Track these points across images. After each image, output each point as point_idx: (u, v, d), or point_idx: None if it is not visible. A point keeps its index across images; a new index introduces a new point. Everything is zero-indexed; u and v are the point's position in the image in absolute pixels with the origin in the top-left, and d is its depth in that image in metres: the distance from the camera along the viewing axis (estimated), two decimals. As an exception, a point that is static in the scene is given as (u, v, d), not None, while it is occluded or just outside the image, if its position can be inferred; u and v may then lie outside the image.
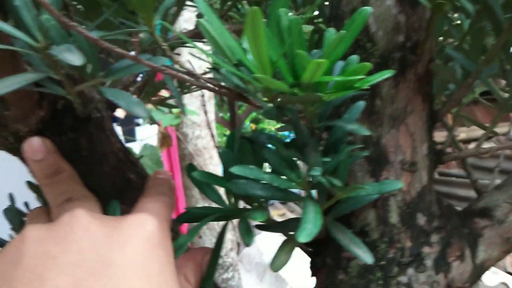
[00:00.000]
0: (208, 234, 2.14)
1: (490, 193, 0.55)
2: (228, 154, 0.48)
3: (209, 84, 0.42)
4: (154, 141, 2.25)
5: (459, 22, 0.63)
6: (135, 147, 2.30)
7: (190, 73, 0.42)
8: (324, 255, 0.52)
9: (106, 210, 0.46)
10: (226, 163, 0.48)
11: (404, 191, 0.48)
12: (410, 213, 0.48)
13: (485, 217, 0.52)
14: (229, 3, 0.76)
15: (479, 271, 0.51)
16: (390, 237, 0.47)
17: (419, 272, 0.47)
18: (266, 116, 0.39)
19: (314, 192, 0.46)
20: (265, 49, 0.35)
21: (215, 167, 2.19)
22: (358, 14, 0.39)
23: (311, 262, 0.54)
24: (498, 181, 0.57)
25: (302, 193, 0.44)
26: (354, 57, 0.41)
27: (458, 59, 0.49)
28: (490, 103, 0.69)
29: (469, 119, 0.61)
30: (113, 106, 0.53)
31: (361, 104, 0.46)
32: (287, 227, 0.46)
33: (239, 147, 0.46)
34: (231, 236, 2.20)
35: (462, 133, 3.63)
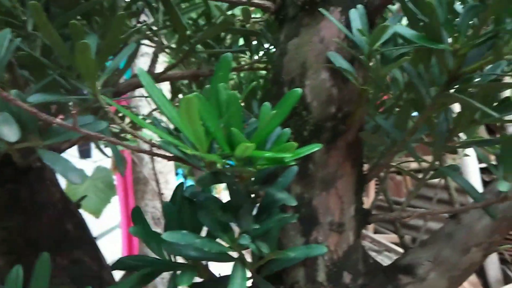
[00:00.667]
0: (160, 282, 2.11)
1: (414, 250, 0.59)
2: (171, 210, 0.49)
3: (151, 151, 0.44)
4: (109, 163, 2.21)
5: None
6: (88, 167, 2.25)
7: (134, 136, 0.44)
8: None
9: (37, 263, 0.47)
10: (168, 219, 0.49)
11: (331, 251, 0.51)
12: (337, 272, 0.51)
13: (408, 274, 0.56)
14: (185, 47, 0.79)
15: (401, 326, 0.55)
16: (317, 295, 0.50)
17: (343, 329, 0.50)
18: (200, 184, 0.41)
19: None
20: (198, 122, 0.37)
21: (171, 192, 2.17)
22: (290, 95, 0.42)
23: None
24: (437, 209, 0.62)
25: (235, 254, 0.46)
26: (286, 132, 0.44)
27: (386, 128, 0.53)
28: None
29: (403, 170, 0.65)
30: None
31: (294, 169, 0.49)
32: (221, 285, 0.47)
33: (179, 207, 0.48)
34: None
35: (413, 163, 3.79)
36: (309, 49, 0.50)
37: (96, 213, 2.13)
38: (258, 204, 0.50)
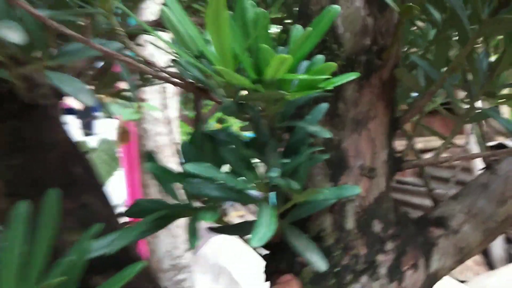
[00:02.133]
0: (165, 233, 2.08)
1: (446, 203, 0.55)
2: (189, 149, 0.45)
3: (167, 75, 0.40)
4: (112, 135, 2.17)
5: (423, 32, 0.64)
6: (92, 141, 2.22)
7: (146, 62, 0.39)
8: (279, 260, 0.50)
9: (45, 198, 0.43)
10: (186, 158, 0.45)
11: (361, 197, 0.47)
12: (367, 220, 0.47)
13: (440, 226, 0.53)
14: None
15: (432, 280, 0.51)
16: (345, 244, 0.46)
17: (373, 280, 0.46)
18: (225, 112, 0.37)
19: (273, 195, 0.45)
20: (228, 40, 0.33)
21: (177, 166, 2.14)
22: (326, 12, 0.37)
23: (265, 267, 0.52)
24: (453, 191, 0.58)
25: (260, 195, 0.42)
26: (320, 57, 0.40)
27: (422, 67, 0.49)
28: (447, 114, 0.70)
29: (429, 128, 0.61)
30: (61, 94, 0.49)
31: (324, 106, 0.45)
32: (242, 229, 0.44)
33: (200, 144, 0.44)
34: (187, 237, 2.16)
35: (419, 143, 3.75)
36: (343, -28, 0.45)
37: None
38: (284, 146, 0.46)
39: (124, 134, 1.95)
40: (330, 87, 0.37)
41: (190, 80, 0.39)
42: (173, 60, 0.39)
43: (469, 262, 2.77)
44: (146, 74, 0.39)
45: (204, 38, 0.38)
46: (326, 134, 0.38)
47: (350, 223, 0.47)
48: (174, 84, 0.40)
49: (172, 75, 0.40)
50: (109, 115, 1.93)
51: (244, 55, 0.37)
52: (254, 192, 0.42)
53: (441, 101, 0.63)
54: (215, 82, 0.40)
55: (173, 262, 2.14)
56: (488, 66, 0.49)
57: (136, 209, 0.46)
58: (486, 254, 2.79)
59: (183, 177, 0.41)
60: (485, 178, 0.55)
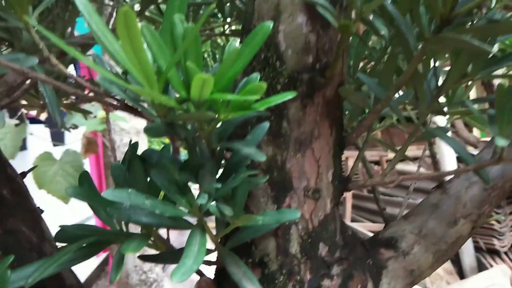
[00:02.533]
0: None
1: (397, 223, 0.54)
2: (120, 171, 0.42)
3: (92, 94, 0.37)
4: (79, 146, 2.11)
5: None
6: (58, 152, 2.14)
7: (70, 78, 0.37)
8: (223, 286, 0.48)
9: None
10: (116, 181, 0.42)
11: (306, 220, 0.45)
12: (312, 243, 0.45)
13: (390, 248, 0.51)
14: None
15: (381, 304, 0.50)
16: (290, 269, 0.44)
17: (318, 307, 0.44)
18: (148, 133, 0.34)
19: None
20: (144, 57, 0.31)
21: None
22: (259, 29, 0.36)
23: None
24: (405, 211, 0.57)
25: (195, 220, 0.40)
26: (254, 76, 0.38)
27: (368, 85, 0.47)
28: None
29: (381, 141, 0.60)
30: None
31: (266, 125, 0.43)
32: (173, 258, 0.41)
33: (129, 166, 0.41)
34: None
35: (391, 152, 3.80)
36: (284, -12, 0.43)
37: (65, 198, 2.03)
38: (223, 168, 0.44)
39: (89, 145, 1.89)
40: (264, 107, 0.35)
41: (118, 98, 0.37)
42: (98, 78, 0.37)
43: (440, 271, 2.80)
44: (67, 93, 0.37)
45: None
46: (261, 157, 0.36)
47: (294, 247, 0.45)
48: (100, 102, 0.37)
49: (99, 93, 0.37)
50: (75, 126, 1.87)
51: (173, 72, 0.34)
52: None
53: (394, 119, 0.62)
54: (145, 101, 0.37)
55: (141, 277, 2.08)
56: (435, 85, 0.48)
57: (63, 236, 0.42)
58: (457, 263, 2.82)
59: (113, 202, 0.39)
60: (436, 197, 0.54)
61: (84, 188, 0.41)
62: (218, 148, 0.43)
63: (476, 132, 3.56)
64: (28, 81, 0.52)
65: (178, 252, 0.43)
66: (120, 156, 2.01)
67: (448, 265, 2.80)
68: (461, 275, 2.77)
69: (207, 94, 0.32)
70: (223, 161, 0.45)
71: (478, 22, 0.43)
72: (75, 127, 1.84)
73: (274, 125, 0.45)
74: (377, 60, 0.55)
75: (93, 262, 3.37)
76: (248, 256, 0.46)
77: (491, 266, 2.67)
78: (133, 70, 0.32)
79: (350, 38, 0.55)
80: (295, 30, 0.44)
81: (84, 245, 0.40)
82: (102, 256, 3.14)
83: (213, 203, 0.37)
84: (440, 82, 0.49)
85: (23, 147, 2.85)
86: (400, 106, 0.63)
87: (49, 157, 1.89)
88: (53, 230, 0.56)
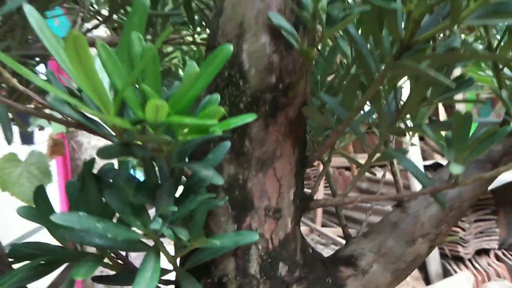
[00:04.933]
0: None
1: (357, 240, 0.55)
2: (75, 189, 0.41)
3: (46, 111, 0.36)
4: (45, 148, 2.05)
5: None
6: (22, 153, 2.08)
7: (24, 93, 0.35)
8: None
9: None
10: (71, 199, 0.41)
11: (266, 239, 0.45)
12: (271, 263, 0.45)
13: (349, 266, 0.52)
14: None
15: (340, 322, 0.50)
16: (248, 290, 0.44)
17: (276, 328, 0.44)
18: (101, 155, 0.34)
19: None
20: (98, 79, 0.30)
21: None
22: (220, 51, 0.35)
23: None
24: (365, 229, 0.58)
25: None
26: (214, 97, 0.38)
27: (331, 105, 0.48)
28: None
29: (345, 155, 0.60)
30: None
31: (227, 144, 0.43)
32: (129, 279, 0.40)
33: (82, 185, 0.40)
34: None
35: (361, 159, 3.84)
36: (248, 7, 0.43)
37: (30, 201, 1.97)
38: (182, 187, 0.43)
39: (56, 146, 1.84)
40: (224, 129, 0.35)
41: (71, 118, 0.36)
42: (49, 98, 0.35)
43: (407, 278, 2.86)
44: (15, 109, 0.35)
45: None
46: (219, 181, 0.36)
47: (253, 267, 0.45)
48: (54, 120, 0.36)
49: (50, 109, 0.36)
50: (42, 127, 1.82)
51: (129, 92, 0.34)
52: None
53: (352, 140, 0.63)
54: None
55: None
56: (395, 107, 0.49)
57: (15, 254, 0.41)
58: (423, 269, 2.89)
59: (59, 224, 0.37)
60: (395, 216, 0.54)
61: (39, 207, 0.39)
62: (176, 168, 0.42)
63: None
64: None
65: (134, 273, 0.41)
66: (87, 159, 1.96)
67: (414, 271, 2.85)
68: (427, 281, 2.83)
69: (163, 117, 0.32)
70: (184, 178, 0.44)
71: (438, 48, 0.44)
72: (42, 128, 1.79)
73: (236, 144, 0.45)
74: (341, 77, 0.56)
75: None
76: (207, 276, 0.45)
77: (456, 272, 2.74)
78: (87, 91, 0.31)
79: (314, 62, 0.55)
80: (258, 50, 0.44)
81: (38, 263, 0.38)
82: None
83: (168, 227, 0.36)
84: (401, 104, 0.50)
85: (-12, 146, 2.75)
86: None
87: (13, 158, 1.82)
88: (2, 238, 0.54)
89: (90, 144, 1.93)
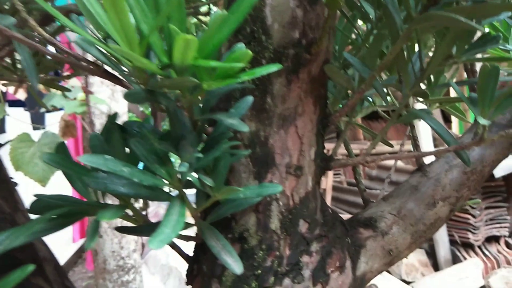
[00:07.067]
0: (109, 234, 2.00)
1: (376, 204, 0.54)
2: (98, 142, 0.41)
3: (71, 58, 0.36)
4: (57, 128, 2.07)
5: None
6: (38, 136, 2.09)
7: (48, 41, 0.35)
8: (201, 262, 0.47)
9: None
10: (94, 151, 0.41)
11: (287, 196, 0.45)
12: (292, 220, 0.45)
13: (369, 227, 0.51)
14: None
15: (359, 283, 0.50)
16: (269, 244, 0.44)
17: (296, 283, 0.44)
18: (130, 99, 0.33)
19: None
20: (128, 20, 0.30)
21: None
22: (246, -3, 0.35)
23: (187, 269, 0.49)
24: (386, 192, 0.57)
25: (175, 192, 0.39)
26: (240, 45, 0.37)
27: (353, 64, 0.47)
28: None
29: (361, 126, 0.60)
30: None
31: (250, 99, 0.42)
32: (147, 231, 0.40)
33: (107, 136, 0.40)
34: (135, 237, 2.09)
35: (363, 145, 3.82)
36: (272, -41, 0.43)
37: (43, 181, 1.99)
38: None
39: (67, 128, 1.86)
40: (249, 78, 0.35)
41: (97, 63, 0.36)
42: (75, 42, 0.35)
43: (415, 263, 2.85)
44: (44, 54, 0.35)
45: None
46: (244, 127, 0.36)
47: (274, 223, 0.45)
48: (80, 67, 0.36)
49: (78, 58, 0.36)
50: (55, 108, 1.83)
51: (154, 37, 0.33)
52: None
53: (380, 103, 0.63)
54: (125, 67, 0.36)
55: (119, 263, 2.06)
56: (420, 66, 0.48)
57: (39, 205, 0.41)
58: (432, 255, 2.88)
59: (89, 171, 0.38)
60: (415, 180, 0.54)
61: (61, 156, 0.39)
62: (200, 122, 0.42)
63: (454, 128, 3.63)
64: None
65: (155, 225, 0.42)
66: (100, 140, 1.97)
67: (423, 257, 2.85)
68: (436, 267, 2.83)
69: (190, 58, 0.31)
70: (204, 136, 0.44)
71: (464, 3, 0.44)
72: (55, 108, 1.80)
73: (258, 100, 0.45)
74: (362, 42, 0.55)
75: (70, 249, 3.32)
76: (227, 231, 0.45)
77: (465, 259, 2.73)
78: (115, 34, 0.31)
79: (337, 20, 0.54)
80: (282, 4, 0.43)
81: (58, 215, 0.38)
82: (79, 242, 3.10)
83: (191, 170, 0.36)
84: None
85: (2, 130, 2.77)
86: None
87: (27, 139, 1.83)
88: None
89: (102, 125, 1.94)
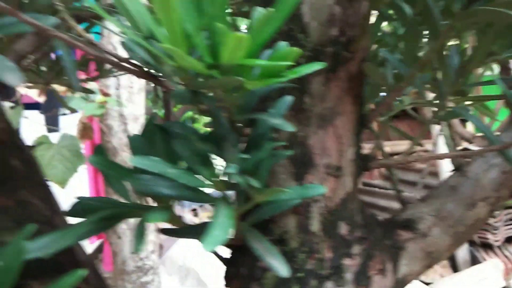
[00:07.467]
0: (128, 235, 2.01)
1: (414, 205, 0.53)
2: (139, 143, 0.41)
3: (113, 59, 0.36)
4: (75, 131, 2.08)
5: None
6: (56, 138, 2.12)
7: (89, 42, 0.35)
8: (239, 264, 0.47)
9: None
10: (135, 152, 0.41)
11: (327, 198, 0.44)
12: (332, 221, 0.44)
13: (408, 229, 0.50)
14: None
15: (399, 286, 0.49)
16: (310, 247, 0.43)
17: (339, 286, 0.43)
18: (176, 99, 0.33)
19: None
20: (177, 17, 0.29)
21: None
22: (290, -5, 0.34)
23: (226, 271, 0.49)
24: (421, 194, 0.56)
25: (217, 193, 0.39)
26: (283, 43, 0.37)
27: (391, 61, 0.46)
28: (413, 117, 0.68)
29: (397, 129, 0.59)
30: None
31: (289, 99, 0.42)
32: (197, 232, 0.40)
33: (148, 136, 0.39)
34: (153, 238, 2.09)
35: (386, 146, 3.78)
36: (311, -44, 0.42)
37: (62, 183, 2.00)
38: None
39: (85, 130, 1.87)
40: (294, 76, 0.34)
41: (139, 64, 0.35)
42: (122, 43, 0.35)
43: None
44: (89, 55, 0.35)
45: (155, 17, 0.34)
46: (289, 127, 0.35)
47: (315, 225, 0.44)
48: (121, 68, 0.36)
49: (120, 58, 0.36)
50: (73, 110, 1.84)
51: (199, 36, 0.33)
52: (213, 191, 0.39)
53: (409, 102, 0.61)
54: (167, 67, 0.36)
55: (138, 264, 2.07)
56: (459, 63, 0.47)
57: (79, 208, 0.41)
58: (450, 256, 2.84)
59: (132, 173, 0.37)
60: (454, 180, 0.53)
61: (101, 157, 0.39)
62: (237, 122, 0.41)
63: (470, 127, 3.59)
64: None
65: (198, 227, 0.41)
66: (117, 142, 1.98)
67: (442, 258, 2.81)
68: (455, 268, 2.79)
69: (240, 57, 0.31)
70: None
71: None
72: (74, 111, 1.81)
73: (296, 100, 0.44)
74: (398, 40, 0.54)
75: (87, 249, 3.35)
76: (266, 234, 0.44)
77: (484, 260, 2.69)
78: (161, 33, 0.31)
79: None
80: (320, 1, 0.42)
81: (101, 217, 0.38)
82: (96, 243, 3.12)
83: (237, 172, 0.35)
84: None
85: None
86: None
87: (46, 141, 1.85)
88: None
89: (120, 128, 1.96)
